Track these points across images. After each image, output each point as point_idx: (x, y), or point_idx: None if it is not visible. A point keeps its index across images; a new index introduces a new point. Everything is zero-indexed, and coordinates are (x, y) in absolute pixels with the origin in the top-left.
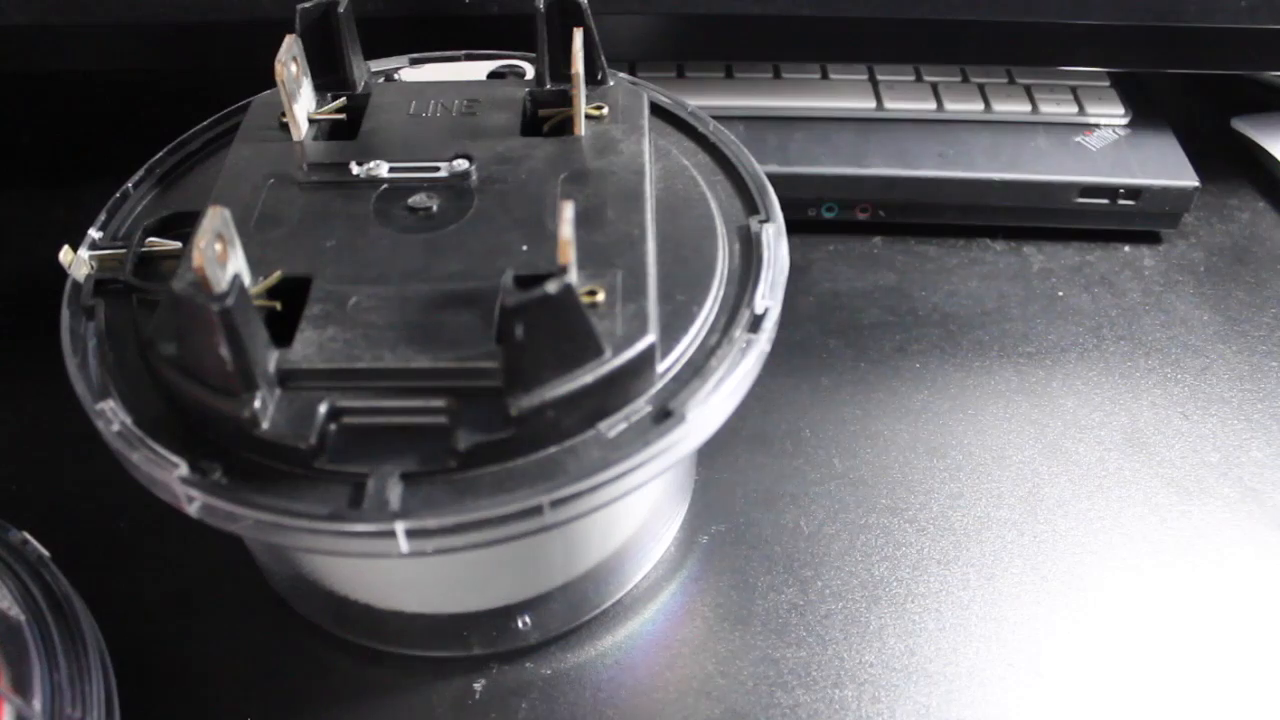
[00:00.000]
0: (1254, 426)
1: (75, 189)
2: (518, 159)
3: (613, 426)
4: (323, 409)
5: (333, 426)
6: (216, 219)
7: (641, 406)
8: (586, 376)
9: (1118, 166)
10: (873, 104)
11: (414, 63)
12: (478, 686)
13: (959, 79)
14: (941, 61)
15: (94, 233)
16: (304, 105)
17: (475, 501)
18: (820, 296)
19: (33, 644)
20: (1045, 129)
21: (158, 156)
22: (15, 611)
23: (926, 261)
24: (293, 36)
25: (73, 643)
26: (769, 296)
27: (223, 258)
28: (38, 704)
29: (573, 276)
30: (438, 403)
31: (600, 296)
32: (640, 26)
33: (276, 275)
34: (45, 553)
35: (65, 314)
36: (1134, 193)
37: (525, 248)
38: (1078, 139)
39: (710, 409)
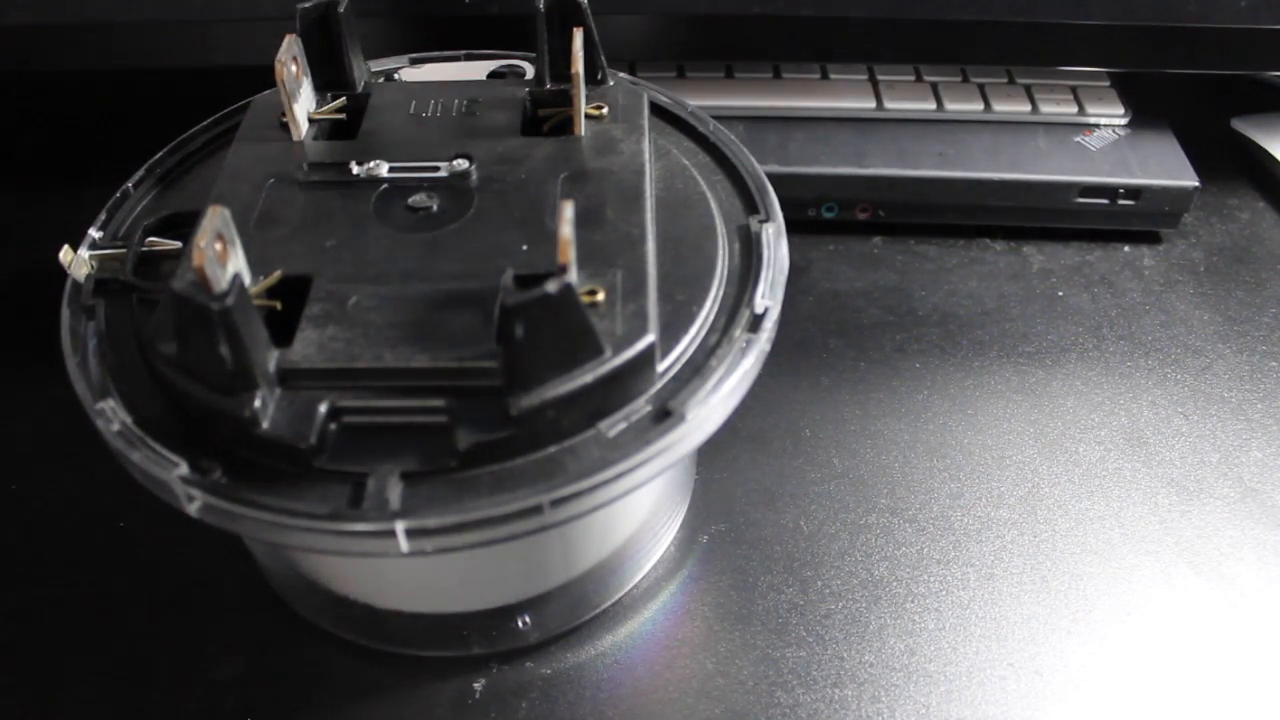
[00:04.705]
0: (1254, 426)
1: (75, 189)
2: (518, 159)
3: (613, 426)
4: (323, 408)
5: (333, 426)
6: (216, 219)
7: (641, 406)
8: (586, 376)
9: (1118, 166)
10: (873, 104)
11: (414, 63)
12: (478, 686)
13: (959, 79)
14: (941, 61)
15: (94, 233)
16: (304, 105)
17: (475, 501)
18: (820, 296)
19: None
20: (1045, 129)
21: (158, 156)
22: None
23: (926, 261)
24: (293, 36)
25: None
26: (769, 296)
27: (223, 257)
28: None
29: (572, 276)
30: (437, 402)
31: (600, 296)
32: (640, 26)
33: (276, 275)
34: None
35: (65, 314)
36: (1134, 193)
37: (525, 247)
38: (1078, 139)
39: (710, 409)
